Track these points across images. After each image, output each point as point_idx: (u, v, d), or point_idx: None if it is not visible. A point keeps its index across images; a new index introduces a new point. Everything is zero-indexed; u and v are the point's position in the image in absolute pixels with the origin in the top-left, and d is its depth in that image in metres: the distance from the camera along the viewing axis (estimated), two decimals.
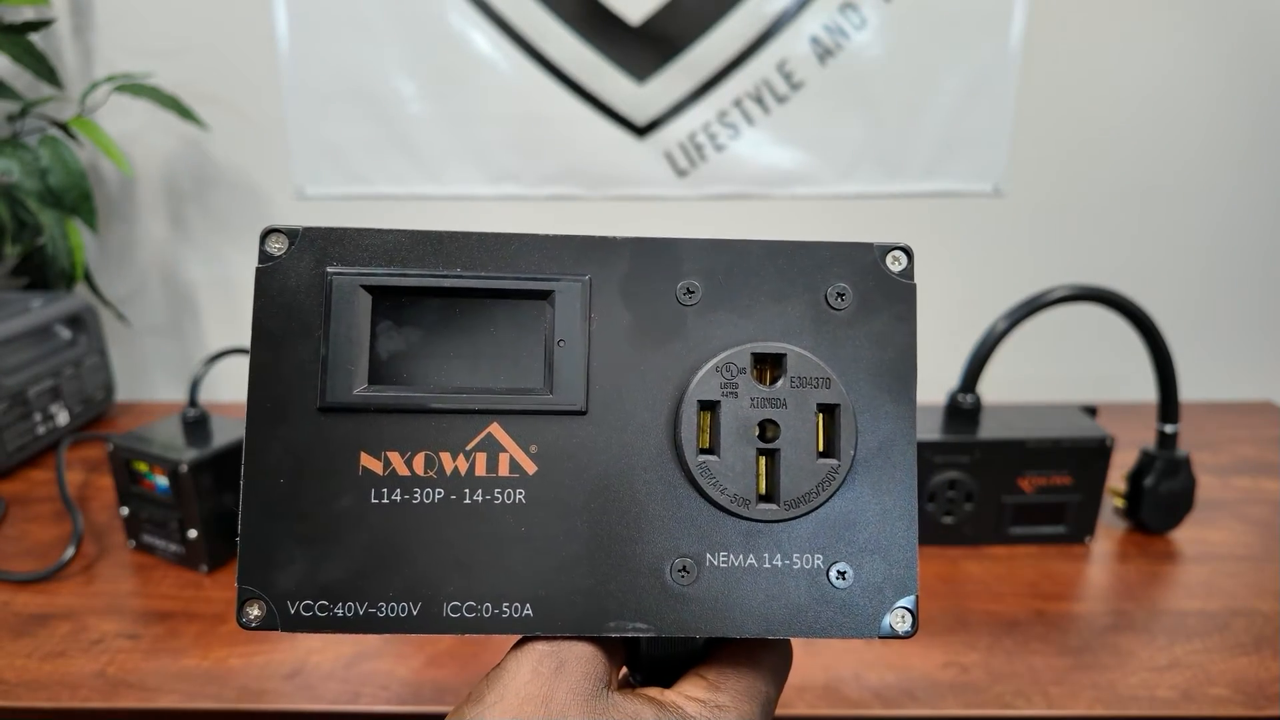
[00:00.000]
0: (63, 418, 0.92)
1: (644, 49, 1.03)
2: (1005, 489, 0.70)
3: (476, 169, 1.08)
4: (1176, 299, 1.10)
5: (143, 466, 0.67)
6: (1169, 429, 0.71)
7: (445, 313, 0.26)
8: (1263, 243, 1.10)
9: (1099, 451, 0.69)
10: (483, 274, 0.26)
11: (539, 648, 0.25)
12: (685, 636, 0.26)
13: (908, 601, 0.26)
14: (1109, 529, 0.74)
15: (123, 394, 1.11)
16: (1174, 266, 1.11)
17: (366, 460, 0.25)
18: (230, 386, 1.07)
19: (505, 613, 0.25)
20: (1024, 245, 1.10)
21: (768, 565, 0.26)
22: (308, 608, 0.25)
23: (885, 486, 0.26)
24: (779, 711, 0.52)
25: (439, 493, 0.25)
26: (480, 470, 0.26)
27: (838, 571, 0.26)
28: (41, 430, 0.89)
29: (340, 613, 0.25)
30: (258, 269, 0.26)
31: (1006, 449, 0.69)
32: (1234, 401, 1.09)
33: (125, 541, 0.71)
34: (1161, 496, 0.71)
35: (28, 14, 1.00)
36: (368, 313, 0.26)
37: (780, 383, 0.26)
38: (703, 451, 0.26)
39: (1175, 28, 1.01)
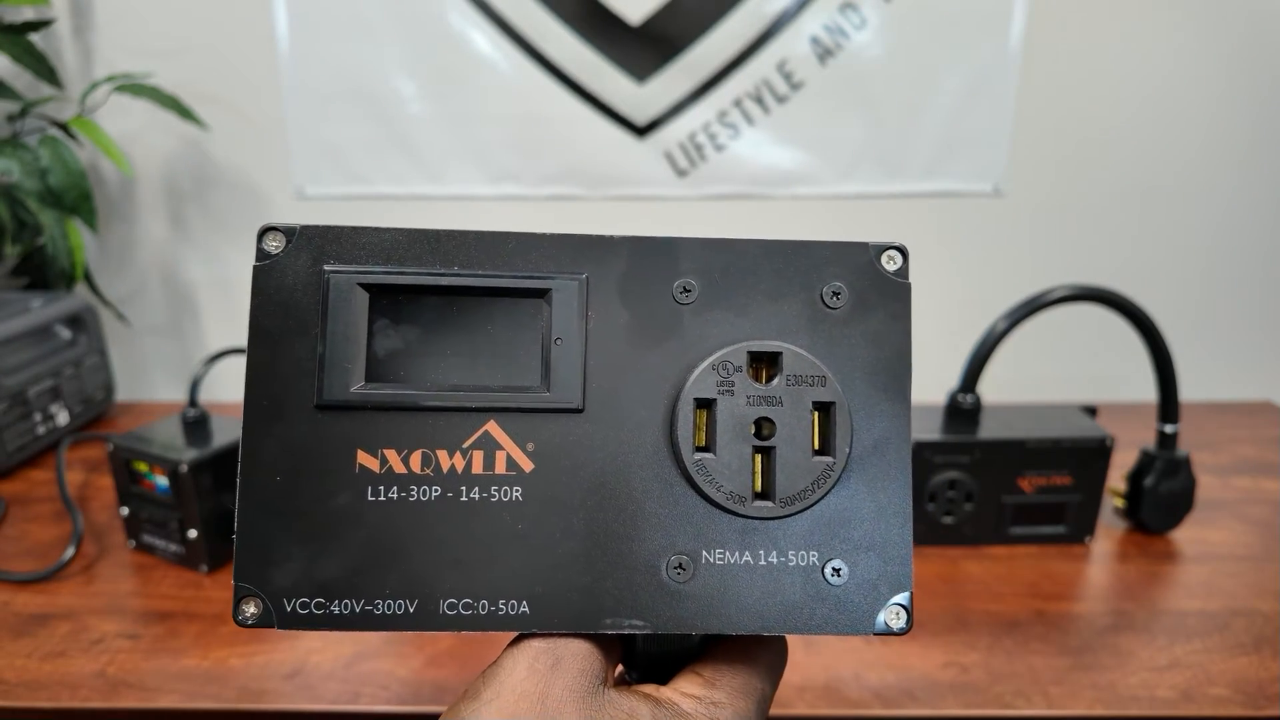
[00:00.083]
0: (63, 418, 0.92)
1: (644, 49, 1.03)
2: (1005, 489, 0.70)
3: (476, 169, 1.08)
4: (1176, 299, 1.10)
5: (143, 466, 0.67)
6: (1169, 429, 0.71)
7: (442, 311, 0.26)
8: (1263, 243, 1.10)
9: (1099, 451, 0.69)
10: (480, 272, 0.26)
11: (535, 645, 0.25)
12: (681, 633, 0.26)
13: (902, 598, 0.26)
14: (1109, 529, 0.74)
15: (123, 394, 1.11)
16: (1174, 266, 1.11)
17: (363, 458, 0.25)
18: (230, 386, 1.07)
19: (502, 610, 0.25)
20: (1024, 245, 1.10)
21: (763, 562, 0.26)
22: (304, 605, 0.25)
23: (880, 484, 0.26)
24: (779, 711, 0.52)
25: (436, 490, 0.26)
26: (477, 468, 0.26)
27: (833, 568, 0.26)
28: (41, 430, 0.89)
29: (337, 610, 0.25)
30: (255, 267, 0.26)
31: (1006, 449, 0.69)
32: (1234, 401, 1.09)
33: (125, 541, 0.71)
34: (1161, 496, 0.71)
35: (28, 14, 1.00)
36: (365, 311, 0.26)
37: (776, 381, 0.26)
38: (699, 449, 0.26)
39: (1175, 28, 1.01)
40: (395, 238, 0.26)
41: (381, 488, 0.25)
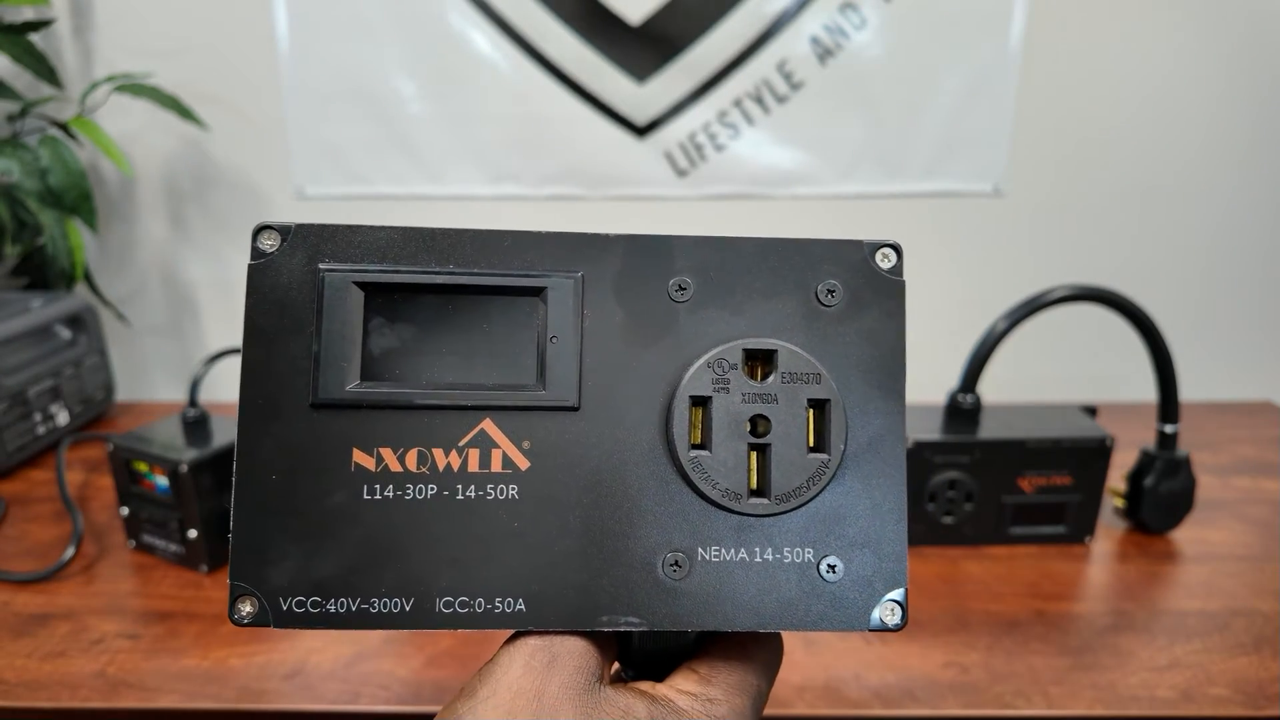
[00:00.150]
0: (63, 418, 0.92)
1: (644, 49, 1.03)
2: (1005, 489, 0.70)
3: (476, 169, 1.08)
4: (1176, 299, 1.10)
5: (143, 466, 0.67)
6: (1169, 429, 0.71)
7: (438, 309, 0.26)
8: (1263, 243, 1.10)
9: (1099, 451, 0.69)
10: (475, 271, 0.26)
11: (531, 642, 0.25)
12: (677, 630, 0.26)
13: (897, 594, 0.26)
14: (1109, 529, 0.74)
15: (123, 394, 1.11)
16: (1174, 266, 1.11)
17: (359, 456, 0.26)
18: (230, 386, 1.06)
19: (498, 608, 0.25)
20: (1024, 245, 1.10)
21: (759, 559, 0.26)
22: (300, 604, 0.25)
23: (875, 481, 0.26)
24: (779, 711, 0.52)
25: (432, 489, 0.26)
26: (473, 466, 0.26)
27: (828, 565, 0.26)
28: (41, 430, 0.89)
29: (333, 609, 0.25)
30: (250, 266, 0.26)
31: (1006, 449, 0.69)
32: (1234, 401, 1.09)
33: (125, 541, 0.71)
34: (1161, 496, 0.71)
35: (28, 14, 1.00)
36: (360, 309, 0.26)
37: (771, 378, 0.26)
38: (694, 447, 0.26)
39: (1175, 28, 1.01)
40: (390, 236, 0.26)
41: (377, 486, 0.25)
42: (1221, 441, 0.94)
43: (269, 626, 0.25)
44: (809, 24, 1.02)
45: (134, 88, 0.97)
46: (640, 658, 0.28)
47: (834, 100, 1.04)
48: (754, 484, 0.26)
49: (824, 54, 1.03)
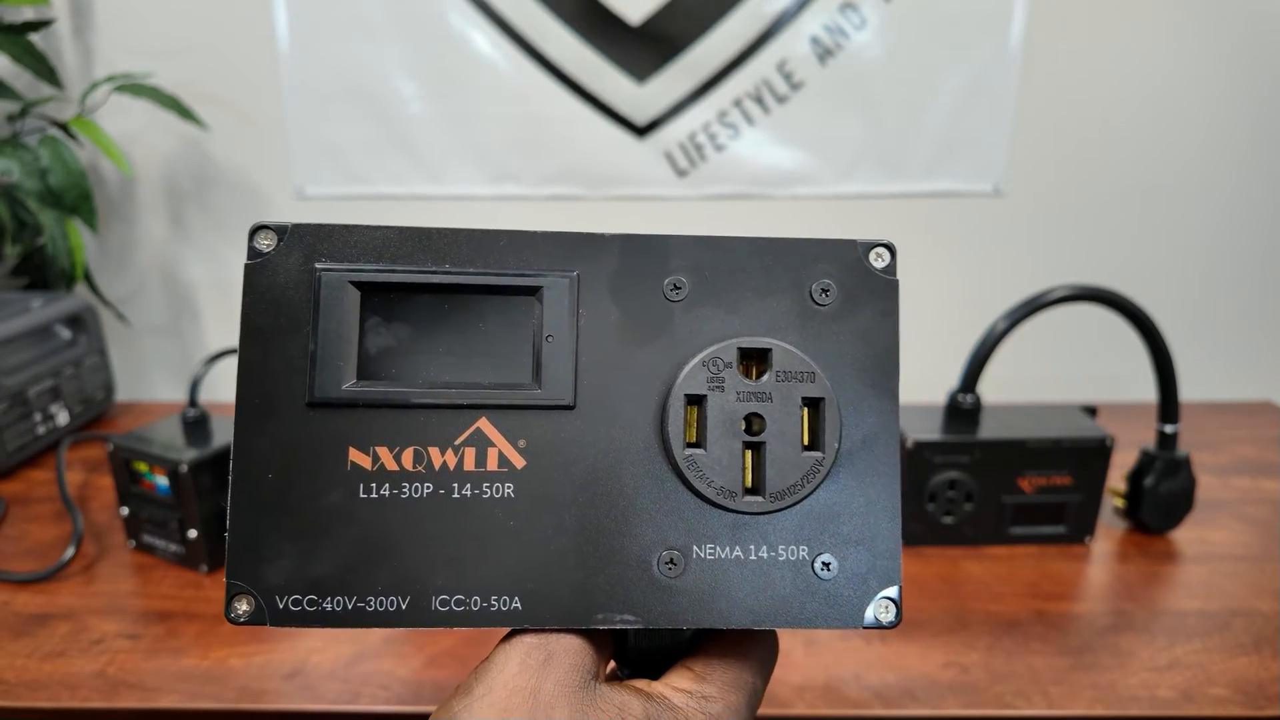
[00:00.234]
0: (63, 418, 0.92)
1: (644, 49, 1.03)
2: (1005, 489, 0.70)
3: (476, 169, 1.08)
4: (1176, 299, 1.10)
5: (143, 466, 0.67)
6: (1169, 429, 0.71)
7: (434, 308, 0.27)
8: (1263, 243, 1.10)
9: (1099, 451, 0.69)
10: (471, 270, 0.26)
11: (527, 640, 0.25)
12: (673, 628, 0.26)
13: (891, 592, 0.26)
14: (1109, 529, 0.74)
15: (123, 394, 1.11)
16: (1174, 266, 1.11)
17: (355, 455, 0.26)
18: (230, 387, 1.06)
19: (494, 606, 0.25)
20: (1024, 245, 1.10)
21: (754, 557, 0.26)
22: (296, 602, 0.25)
23: (869, 479, 0.26)
24: (780, 711, 0.52)
25: (428, 487, 0.26)
26: (469, 465, 0.26)
27: (822, 563, 0.26)
28: (41, 430, 0.89)
29: (329, 607, 0.25)
30: (246, 265, 0.26)
31: (1006, 449, 0.69)
32: (1234, 401, 1.09)
33: (125, 541, 0.71)
34: (1161, 496, 0.71)
35: (28, 14, 1.00)
36: (356, 308, 0.26)
37: (766, 377, 0.26)
38: (690, 445, 0.26)
39: (1175, 27, 1.01)
40: (387, 236, 0.26)
41: (373, 485, 0.25)
42: (1221, 441, 0.94)
43: (265, 625, 0.25)
44: (809, 24, 1.02)
45: (134, 88, 0.97)
46: (636, 656, 0.29)
47: (834, 100, 1.04)
48: (749, 482, 0.26)
49: (824, 54, 1.03)
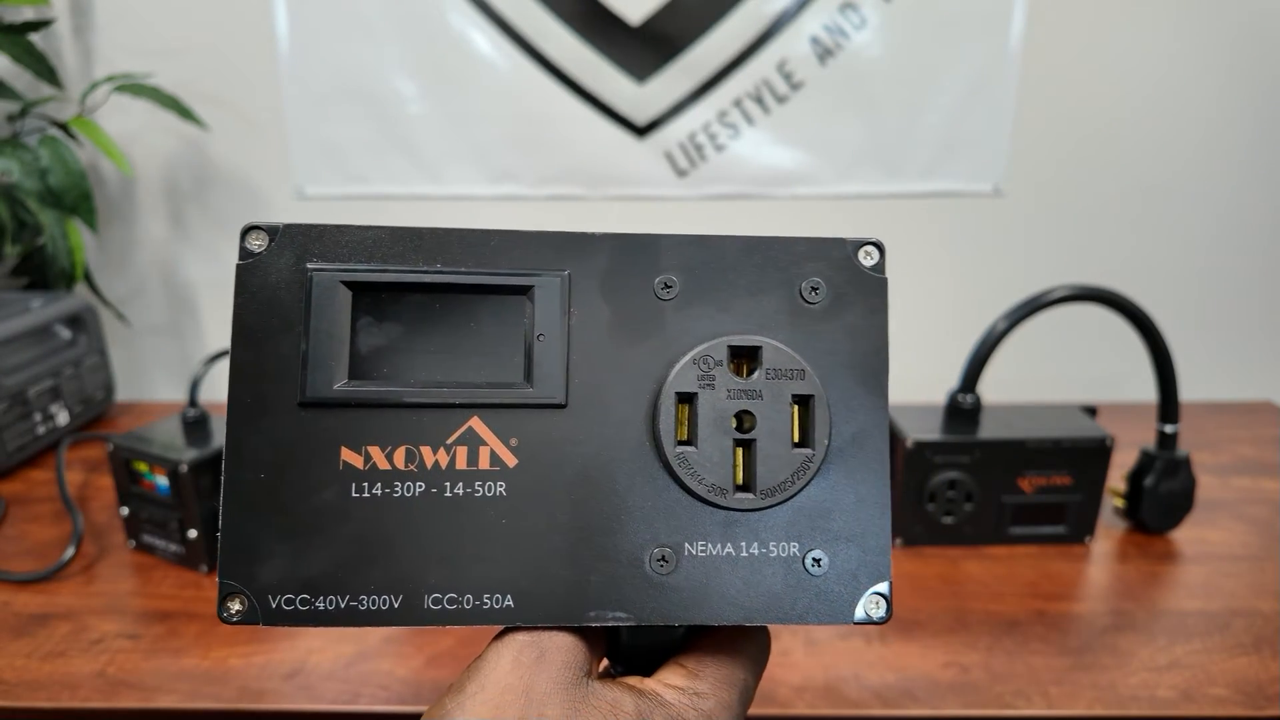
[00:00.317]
0: (63, 418, 0.92)
1: (644, 49, 1.03)
2: (1005, 489, 0.70)
3: (476, 169, 1.08)
4: (1176, 299, 1.10)
5: (143, 466, 0.67)
6: (1169, 429, 0.71)
7: (425, 308, 0.27)
8: (1263, 242, 1.10)
9: (1099, 451, 0.69)
10: (463, 270, 0.26)
11: (520, 638, 0.25)
12: (665, 625, 0.26)
13: (882, 587, 0.26)
14: (1109, 529, 0.74)
15: (123, 394, 1.11)
16: (1174, 266, 1.11)
17: (347, 454, 0.26)
18: None
19: (486, 604, 0.25)
20: (1024, 245, 1.10)
21: (745, 554, 0.26)
22: (289, 601, 0.25)
23: (859, 475, 0.27)
24: (780, 711, 0.52)
25: (420, 486, 0.26)
26: (461, 463, 0.26)
27: (813, 559, 0.26)
28: (41, 430, 0.89)
29: (322, 606, 0.25)
30: (238, 265, 0.26)
31: (1006, 449, 0.69)
32: (1234, 401, 1.09)
33: (125, 541, 0.71)
34: (1161, 496, 0.71)
35: (28, 14, 1.00)
36: (348, 308, 0.26)
37: (756, 375, 0.26)
38: (681, 443, 0.26)
39: (1175, 27, 1.01)
40: (378, 236, 0.26)
41: (365, 484, 0.26)
42: (1221, 441, 0.94)
43: (258, 624, 0.25)
44: (809, 24, 1.02)
45: (134, 88, 0.97)
46: (629, 653, 0.29)
47: (834, 100, 1.04)
48: (740, 479, 0.26)
49: (824, 54, 1.03)
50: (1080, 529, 0.71)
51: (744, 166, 1.07)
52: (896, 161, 1.07)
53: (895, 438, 0.70)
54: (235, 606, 0.25)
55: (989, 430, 0.70)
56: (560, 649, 0.25)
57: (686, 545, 0.26)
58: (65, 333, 0.95)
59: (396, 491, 0.26)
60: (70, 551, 0.68)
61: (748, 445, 0.26)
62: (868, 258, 0.28)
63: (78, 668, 0.56)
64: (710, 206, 1.09)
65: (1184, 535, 0.73)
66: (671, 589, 0.26)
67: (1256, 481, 0.85)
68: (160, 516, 0.67)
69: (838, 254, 0.27)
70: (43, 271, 1.02)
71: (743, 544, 0.26)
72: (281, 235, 0.26)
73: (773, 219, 1.09)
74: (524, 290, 0.26)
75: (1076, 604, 0.64)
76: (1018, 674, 0.56)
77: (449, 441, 0.26)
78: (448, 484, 0.26)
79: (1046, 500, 0.70)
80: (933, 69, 1.03)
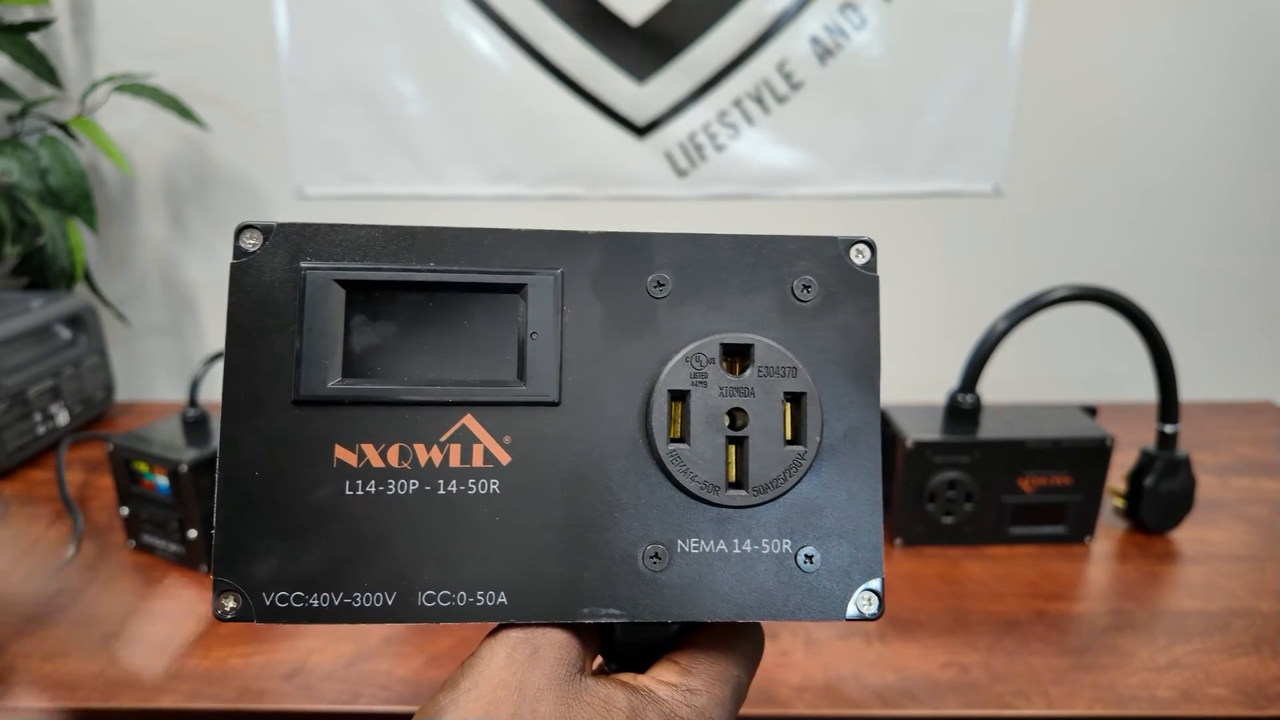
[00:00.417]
0: (63, 418, 0.92)
1: (644, 49, 1.03)
2: (1005, 489, 0.70)
3: (476, 169, 1.08)
4: (1176, 299, 1.10)
5: (143, 466, 0.67)
6: (1169, 429, 0.71)
7: (419, 306, 0.27)
8: (1263, 242, 1.10)
9: (1099, 451, 0.69)
10: (456, 268, 0.26)
11: (513, 635, 0.25)
12: (658, 622, 0.26)
13: (874, 584, 0.27)
14: (1109, 529, 0.74)
15: (123, 394, 1.11)
16: (1174, 266, 1.11)
17: (341, 452, 0.26)
18: None
19: (480, 601, 0.26)
20: (1024, 245, 1.10)
21: (737, 550, 0.26)
22: (283, 599, 0.25)
23: (851, 472, 0.27)
24: (780, 711, 0.52)
25: (413, 484, 0.26)
26: (454, 461, 0.26)
27: (805, 555, 0.26)
28: (41, 430, 0.89)
29: (316, 603, 0.25)
30: (232, 265, 0.26)
31: (1006, 449, 0.69)
32: (1234, 401, 1.09)
33: (125, 541, 0.71)
34: (1161, 496, 0.71)
35: (28, 14, 1.00)
36: (342, 307, 0.26)
37: (748, 372, 0.27)
38: (673, 440, 0.26)
39: (1175, 27, 1.01)
40: (372, 234, 0.26)
41: (359, 482, 0.26)
42: (1221, 441, 0.94)
43: (253, 622, 0.25)
44: (809, 24, 1.02)
45: (134, 88, 0.97)
46: (623, 650, 0.29)
47: (834, 100, 1.04)
48: (732, 476, 0.26)
49: (824, 54, 1.03)
50: (1080, 529, 0.71)
51: (744, 166, 1.07)
52: (896, 161, 1.07)
53: (895, 438, 0.70)
54: (230, 604, 0.25)
55: (989, 430, 0.70)
56: (553, 645, 0.25)
57: (679, 542, 0.26)
58: (65, 333, 0.95)
59: (390, 489, 0.26)
60: (70, 551, 0.68)
61: (740, 442, 0.26)
62: (859, 256, 0.28)
63: (78, 668, 0.56)
64: (710, 206, 1.09)
65: (1184, 535, 0.73)
66: (664, 586, 0.26)
67: (1256, 481, 0.85)
68: (160, 516, 0.67)
69: (829, 252, 0.28)
70: (43, 271, 1.02)
71: (735, 541, 0.26)
72: (275, 234, 0.26)
73: (773, 219, 1.09)
74: (517, 288, 0.27)
75: (1076, 604, 0.64)
76: (1018, 674, 0.56)
77: (442, 439, 0.26)
78: (441, 482, 0.26)
79: (1046, 500, 0.70)
80: (933, 69, 1.03)
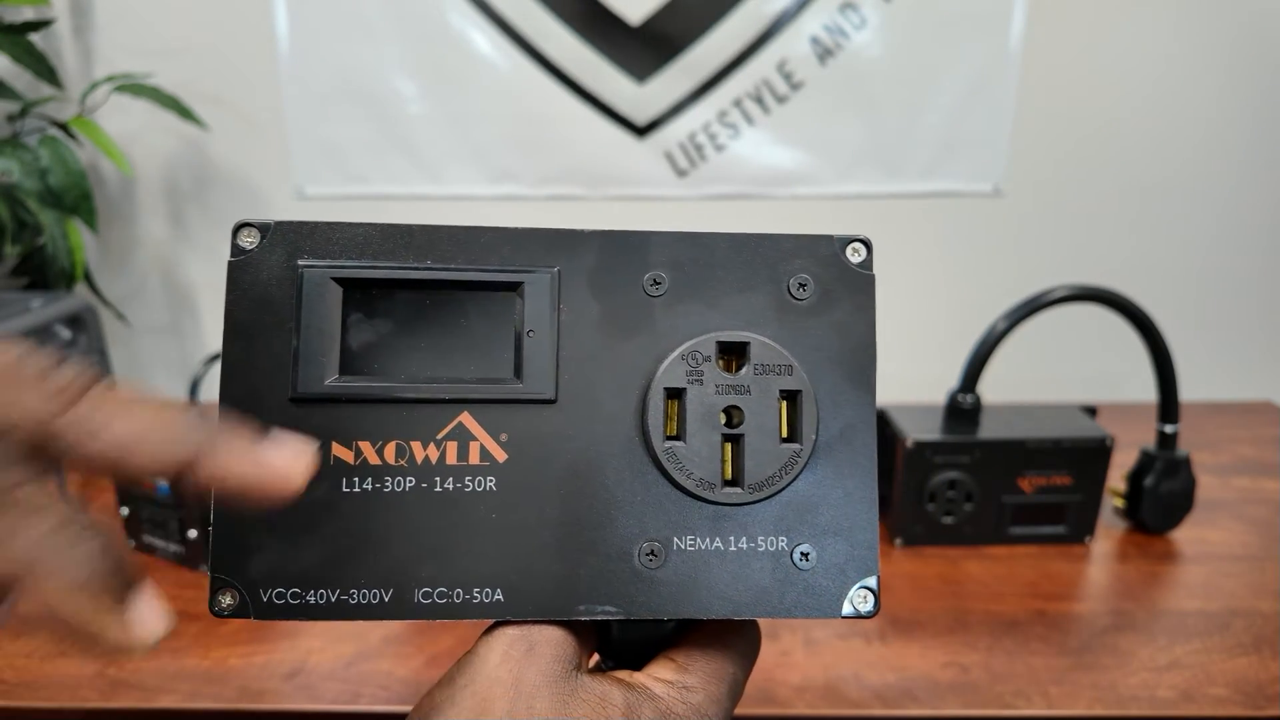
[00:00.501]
0: None
1: (644, 49, 1.03)
2: (1005, 489, 0.70)
3: (476, 169, 1.08)
4: (1176, 299, 1.10)
5: None
6: (1169, 429, 0.71)
7: (416, 304, 0.27)
8: (1263, 242, 1.10)
9: (1099, 451, 0.69)
10: (453, 266, 0.26)
11: (509, 632, 0.25)
12: (654, 619, 0.26)
13: (870, 581, 0.26)
14: (1109, 529, 0.74)
15: None
16: (1174, 266, 1.11)
17: (338, 450, 0.26)
18: None
19: (476, 598, 0.26)
20: (1024, 245, 1.10)
21: (733, 548, 0.26)
22: (280, 595, 0.25)
23: (847, 470, 0.27)
24: (779, 711, 0.52)
25: (410, 481, 0.26)
26: (451, 459, 0.26)
27: (801, 553, 0.26)
28: None
29: (312, 600, 0.25)
30: (230, 263, 0.26)
31: (1006, 449, 0.69)
32: (1234, 401, 1.09)
33: (125, 542, 0.71)
34: (1161, 496, 0.71)
35: (28, 14, 1.00)
36: (339, 304, 0.26)
37: (744, 370, 0.27)
38: (669, 438, 0.26)
39: (1175, 27, 1.02)
40: (369, 232, 0.26)
41: (356, 479, 0.26)
42: (1221, 441, 0.94)
43: (249, 618, 0.25)
44: (809, 24, 1.02)
45: (134, 88, 0.97)
46: (619, 647, 0.29)
47: (834, 100, 1.04)
48: (728, 474, 0.27)
49: (824, 54, 1.03)
50: (1080, 529, 0.71)
51: (744, 166, 1.07)
52: (896, 161, 1.07)
53: (895, 438, 0.70)
54: (226, 600, 0.25)
55: (989, 430, 0.70)
56: (550, 642, 0.25)
57: (675, 539, 0.26)
58: (65, 333, 0.95)
59: (387, 486, 0.26)
60: None
61: (736, 440, 0.26)
62: (855, 255, 0.28)
63: (78, 668, 0.56)
64: (710, 206, 1.09)
65: (1184, 535, 0.73)
66: (660, 583, 0.26)
67: (1256, 481, 0.85)
68: (160, 516, 0.67)
69: (825, 251, 0.28)
70: (43, 271, 1.02)
71: (731, 538, 0.26)
72: (273, 232, 0.26)
73: (772, 219, 1.09)
74: (514, 287, 0.27)
75: (1076, 604, 0.64)
76: (1018, 674, 0.56)
77: (439, 437, 0.26)
78: (438, 479, 0.26)
79: (1046, 500, 0.70)
80: (933, 69, 1.03)
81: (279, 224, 0.26)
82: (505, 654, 0.24)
